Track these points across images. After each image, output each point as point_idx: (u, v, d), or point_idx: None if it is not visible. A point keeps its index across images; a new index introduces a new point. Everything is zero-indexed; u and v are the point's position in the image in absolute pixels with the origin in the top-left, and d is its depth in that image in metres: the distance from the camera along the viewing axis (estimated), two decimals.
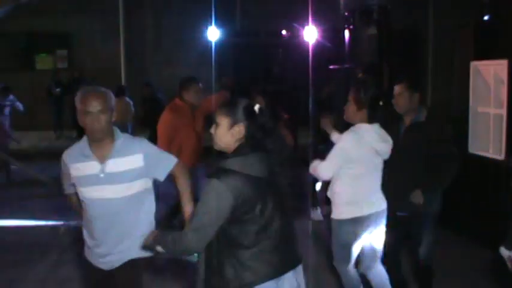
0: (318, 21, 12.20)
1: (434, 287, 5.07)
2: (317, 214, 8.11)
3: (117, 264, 3.60)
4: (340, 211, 4.51)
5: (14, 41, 17.99)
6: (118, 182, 3.46)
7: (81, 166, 3.49)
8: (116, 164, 3.46)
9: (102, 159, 3.46)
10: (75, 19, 17.19)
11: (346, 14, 11.46)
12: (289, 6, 14.51)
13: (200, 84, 6.59)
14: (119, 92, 10.85)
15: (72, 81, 15.93)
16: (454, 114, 7.96)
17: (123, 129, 3.97)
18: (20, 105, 12.61)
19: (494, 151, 6.61)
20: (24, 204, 9.29)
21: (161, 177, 3.64)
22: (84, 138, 3.51)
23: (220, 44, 13.11)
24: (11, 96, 12.62)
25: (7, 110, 12.34)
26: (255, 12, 16.25)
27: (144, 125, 10.93)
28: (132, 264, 3.59)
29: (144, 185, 3.59)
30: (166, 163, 3.65)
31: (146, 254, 3.51)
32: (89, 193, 3.50)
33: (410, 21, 15.35)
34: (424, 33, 16.07)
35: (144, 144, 3.61)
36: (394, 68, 10.48)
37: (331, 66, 10.99)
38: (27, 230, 7.89)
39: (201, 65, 14.26)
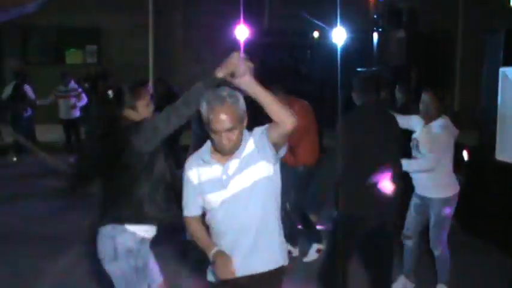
0: (346, 22, 12.19)
1: None
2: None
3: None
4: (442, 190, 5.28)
5: (44, 36, 18.24)
6: (238, 174, 3.20)
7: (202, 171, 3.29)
8: (235, 162, 3.22)
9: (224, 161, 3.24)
10: (106, 15, 17.34)
11: (375, 16, 11.45)
12: (318, 7, 14.52)
13: None
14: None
15: (96, 77, 16.11)
16: (482, 120, 7.90)
17: None
18: (84, 98, 12.84)
19: None
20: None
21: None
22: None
23: (248, 43, 13.15)
24: (73, 84, 12.78)
25: (73, 100, 12.58)
26: (283, 13, 16.26)
27: None
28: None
29: (263, 171, 3.21)
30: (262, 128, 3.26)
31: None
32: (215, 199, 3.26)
33: (440, 25, 15.26)
34: (453, 37, 15.97)
35: (255, 129, 3.28)
36: (422, 71, 10.45)
37: (358, 69, 10.96)
38: (52, 221, 8.02)
39: None
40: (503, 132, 6.88)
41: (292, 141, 6.04)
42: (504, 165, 6.79)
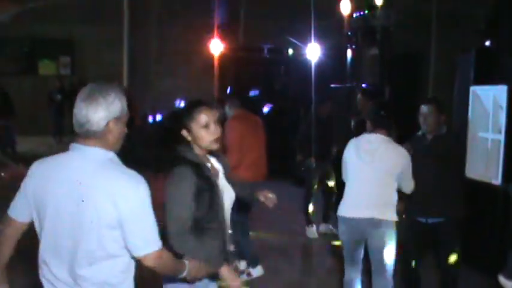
0: (321, 39, 12.28)
1: None
2: (311, 232, 8.10)
3: None
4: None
5: (17, 46, 18.06)
6: None
7: None
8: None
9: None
10: (80, 26, 17.27)
11: (349, 33, 11.55)
12: (292, 23, 14.60)
13: None
14: None
15: (72, 88, 16.02)
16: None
17: None
18: None
19: (491, 176, 6.64)
20: None
21: None
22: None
23: (222, 58, 13.16)
24: None
25: None
26: (258, 28, 16.32)
27: None
28: None
29: None
30: None
31: None
32: None
33: (413, 44, 15.44)
34: (426, 56, 16.16)
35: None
36: (394, 89, 10.56)
37: (332, 85, 11.03)
38: None
39: (203, 77, 14.31)
40: (473, 151, 6.97)
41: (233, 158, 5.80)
42: (473, 183, 6.88)
